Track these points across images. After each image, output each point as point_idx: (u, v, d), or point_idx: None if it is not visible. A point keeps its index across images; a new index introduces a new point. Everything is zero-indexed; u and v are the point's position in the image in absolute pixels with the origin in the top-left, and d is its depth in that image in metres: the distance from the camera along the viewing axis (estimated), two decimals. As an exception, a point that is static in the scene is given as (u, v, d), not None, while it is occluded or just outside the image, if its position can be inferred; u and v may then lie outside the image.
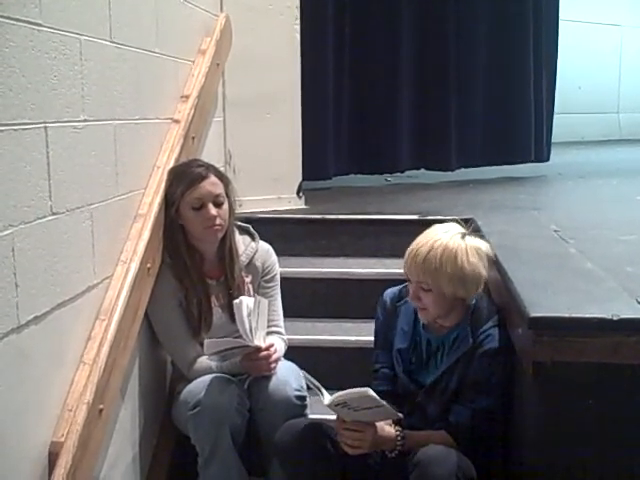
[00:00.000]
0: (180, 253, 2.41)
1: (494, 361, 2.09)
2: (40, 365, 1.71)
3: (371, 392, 1.97)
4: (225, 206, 2.42)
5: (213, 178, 2.42)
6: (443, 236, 2.09)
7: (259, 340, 2.32)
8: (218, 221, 2.38)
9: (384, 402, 2.01)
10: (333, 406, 2.04)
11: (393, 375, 2.29)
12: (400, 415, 2.11)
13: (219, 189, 2.42)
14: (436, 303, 2.11)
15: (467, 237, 2.11)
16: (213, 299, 2.46)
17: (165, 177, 2.45)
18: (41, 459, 1.73)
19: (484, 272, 2.11)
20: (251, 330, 2.27)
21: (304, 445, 2.14)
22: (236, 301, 2.28)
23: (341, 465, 2.15)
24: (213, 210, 2.38)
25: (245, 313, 2.25)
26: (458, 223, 2.18)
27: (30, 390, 1.67)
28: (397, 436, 2.10)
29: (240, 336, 2.28)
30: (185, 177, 2.40)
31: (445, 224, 2.17)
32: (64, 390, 1.84)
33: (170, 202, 2.40)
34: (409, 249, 2.13)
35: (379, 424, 2.09)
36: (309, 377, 2.16)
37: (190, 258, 2.42)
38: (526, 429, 2.04)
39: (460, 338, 2.14)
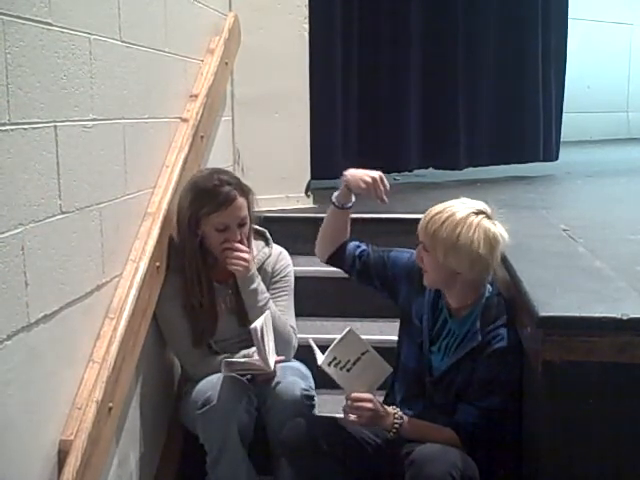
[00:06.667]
0: (191, 256, 2.40)
1: (502, 361, 2.08)
2: (50, 363, 1.72)
3: (352, 330, 2.06)
4: (247, 223, 2.42)
5: (239, 200, 2.37)
6: (459, 206, 2.08)
7: (272, 359, 2.30)
8: (240, 245, 2.37)
9: (369, 346, 2.09)
10: (326, 365, 2.09)
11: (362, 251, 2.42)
12: (390, 368, 2.15)
13: (244, 211, 2.39)
14: (432, 267, 2.11)
15: (483, 217, 2.04)
16: (220, 302, 2.46)
17: (175, 177, 2.45)
18: (51, 457, 1.74)
19: (485, 254, 2.01)
20: (267, 355, 2.26)
21: (310, 443, 2.14)
22: (252, 327, 2.22)
23: (344, 458, 2.16)
24: (238, 235, 2.37)
25: (260, 337, 2.21)
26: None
27: (40, 388, 1.68)
28: (395, 414, 2.11)
29: (256, 356, 2.30)
30: (211, 198, 2.34)
31: (471, 200, 2.12)
32: (73, 388, 1.85)
33: (189, 217, 2.36)
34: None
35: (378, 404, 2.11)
36: (311, 342, 2.22)
37: (202, 262, 2.41)
38: (537, 428, 2.03)
39: (470, 334, 2.13)
